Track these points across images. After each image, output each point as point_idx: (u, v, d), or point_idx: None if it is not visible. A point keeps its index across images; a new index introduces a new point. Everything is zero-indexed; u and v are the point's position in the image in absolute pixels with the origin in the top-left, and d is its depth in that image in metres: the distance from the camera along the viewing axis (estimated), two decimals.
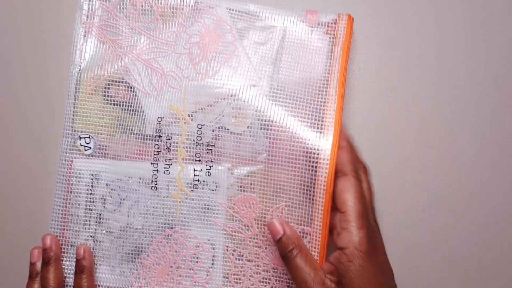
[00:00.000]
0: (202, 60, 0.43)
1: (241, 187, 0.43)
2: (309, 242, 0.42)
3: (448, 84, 0.46)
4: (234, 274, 0.43)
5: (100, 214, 0.43)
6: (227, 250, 0.43)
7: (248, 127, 0.42)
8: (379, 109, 0.47)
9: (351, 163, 0.40)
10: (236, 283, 0.43)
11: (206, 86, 0.43)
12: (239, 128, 0.42)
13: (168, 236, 0.43)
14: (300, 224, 0.42)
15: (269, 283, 0.43)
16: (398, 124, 0.47)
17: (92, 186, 0.44)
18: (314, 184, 0.41)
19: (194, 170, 0.43)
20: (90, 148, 0.43)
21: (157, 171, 0.43)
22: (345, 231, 0.38)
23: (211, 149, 0.42)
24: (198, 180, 0.43)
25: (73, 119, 0.44)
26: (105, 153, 0.44)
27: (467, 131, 0.47)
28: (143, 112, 0.43)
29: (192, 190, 0.43)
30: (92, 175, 0.43)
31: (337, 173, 0.40)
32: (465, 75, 0.47)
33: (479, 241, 0.47)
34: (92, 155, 0.44)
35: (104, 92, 0.44)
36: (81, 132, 0.44)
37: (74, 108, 0.44)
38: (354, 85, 0.47)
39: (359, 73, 0.47)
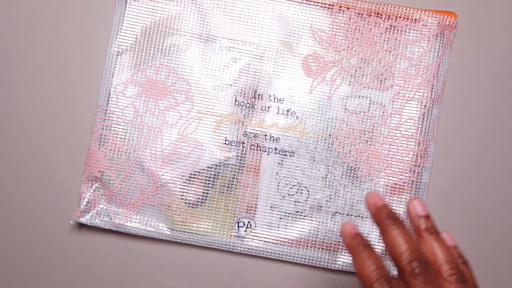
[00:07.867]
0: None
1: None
2: None
3: (448, 84, 0.46)
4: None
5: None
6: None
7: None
8: None
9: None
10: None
11: None
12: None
13: None
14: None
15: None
16: None
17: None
18: None
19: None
20: (250, 226, 0.45)
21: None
22: None
23: None
24: None
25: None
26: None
27: (467, 131, 0.46)
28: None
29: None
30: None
31: None
32: (465, 75, 0.47)
33: (480, 241, 0.46)
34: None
35: None
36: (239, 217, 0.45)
37: None
38: None
39: None
